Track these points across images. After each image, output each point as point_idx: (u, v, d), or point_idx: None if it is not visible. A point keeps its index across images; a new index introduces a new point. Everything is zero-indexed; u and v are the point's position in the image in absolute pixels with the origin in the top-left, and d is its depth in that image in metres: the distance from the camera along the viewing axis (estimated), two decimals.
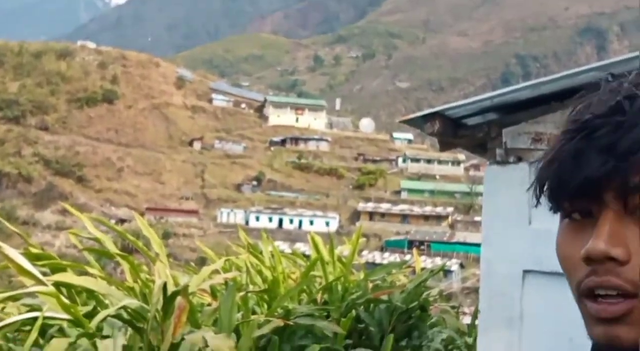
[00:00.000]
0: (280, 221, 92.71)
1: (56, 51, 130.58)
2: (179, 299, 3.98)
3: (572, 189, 1.11)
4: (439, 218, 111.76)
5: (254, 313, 5.63)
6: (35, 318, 3.66)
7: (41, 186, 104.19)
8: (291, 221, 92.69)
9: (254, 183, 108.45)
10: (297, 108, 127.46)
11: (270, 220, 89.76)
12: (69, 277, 4.15)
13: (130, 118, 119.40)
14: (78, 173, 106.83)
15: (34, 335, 3.57)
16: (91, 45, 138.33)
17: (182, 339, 3.94)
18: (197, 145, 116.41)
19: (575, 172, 1.10)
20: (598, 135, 1.07)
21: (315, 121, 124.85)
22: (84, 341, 3.67)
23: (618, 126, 1.07)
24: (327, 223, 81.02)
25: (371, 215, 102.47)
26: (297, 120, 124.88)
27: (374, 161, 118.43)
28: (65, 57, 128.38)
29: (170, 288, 3.99)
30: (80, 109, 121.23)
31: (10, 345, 3.91)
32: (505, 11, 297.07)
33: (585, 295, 1.11)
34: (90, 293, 4.21)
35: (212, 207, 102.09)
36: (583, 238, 1.10)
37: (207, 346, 3.98)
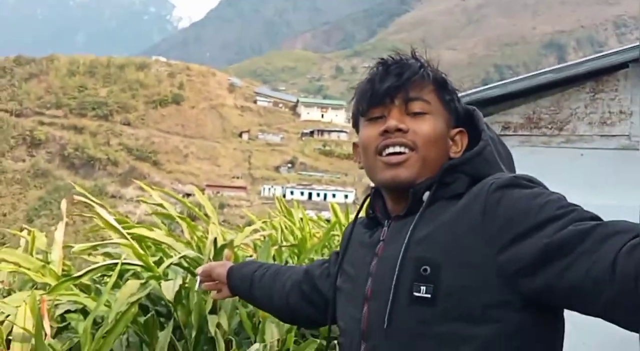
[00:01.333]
0: (310, 194, 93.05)
1: (136, 64, 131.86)
2: (226, 250, 3.99)
3: (377, 96, 1.46)
4: None
5: (287, 262, 5.64)
6: (115, 264, 3.68)
7: (125, 168, 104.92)
8: (318, 194, 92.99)
9: (289, 165, 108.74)
10: (322, 107, 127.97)
11: (302, 194, 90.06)
12: (144, 231, 4.17)
13: (193, 116, 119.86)
14: (153, 158, 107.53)
15: (114, 277, 3.59)
16: (162, 59, 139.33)
17: None
18: (245, 136, 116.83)
19: (379, 86, 1.46)
20: (393, 67, 1.48)
21: (336, 117, 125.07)
22: (152, 282, 3.69)
23: (404, 65, 1.48)
24: (346, 196, 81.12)
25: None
26: (322, 116, 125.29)
27: None
28: (142, 69, 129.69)
29: (220, 242, 4.00)
30: (155, 109, 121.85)
31: (97, 285, 3.94)
32: (486, 30, 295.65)
33: (379, 153, 1.44)
34: (158, 246, 4.22)
35: (257, 184, 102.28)
36: (377, 127, 1.46)
37: None
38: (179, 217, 4.52)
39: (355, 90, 1.58)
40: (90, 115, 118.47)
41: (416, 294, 1.28)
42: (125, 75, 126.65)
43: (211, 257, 4.07)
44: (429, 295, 1.26)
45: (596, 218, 1.18)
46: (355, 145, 1.63)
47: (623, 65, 5.63)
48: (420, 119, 1.43)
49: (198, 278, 2.21)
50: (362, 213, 1.72)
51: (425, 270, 1.29)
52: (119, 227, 3.98)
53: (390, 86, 1.44)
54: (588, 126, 5.76)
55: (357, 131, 1.60)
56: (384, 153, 1.43)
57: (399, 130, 1.41)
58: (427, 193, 1.40)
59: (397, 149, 1.42)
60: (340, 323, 1.55)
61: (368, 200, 1.64)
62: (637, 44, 5.50)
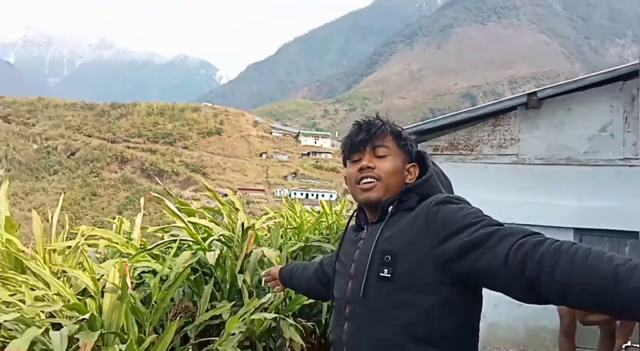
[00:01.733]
0: (307, 195, 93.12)
1: (191, 108, 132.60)
2: (249, 231, 3.96)
3: (354, 146, 1.56)
4: None
5: (290, 239, 5.61)
6: (175, 241, 3.66)
7: (184, 177, 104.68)
8: (312, 195, 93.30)
9: (293, 175, 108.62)
10: (315, 136, 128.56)
11: (302, 194, 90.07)
12: (196, 219, 4.16)
13: (229, 143, 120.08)
14: (202, 171, 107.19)
15: (174, 249, 3.57)
16: (209, 105, 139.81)
17: (251, 251, 3.92)
18: (263, 156, 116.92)
19: (355, 139, 1.56)
20: (364, 126, 1.57)
21: (324, 143, 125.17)
22: (200, 252, 3.67)
23: (371, 124, 1.57)
24: (331, 196, 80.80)
25: None
26: (315, 142, 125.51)
27: None
28: (196, 111, 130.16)
29: (245, 225, 3.97)
30: (204, 138, 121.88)
31: (163, 255, 3.91)
32: (423, 86, 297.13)
33: (357, 182, 1.53)
34: (206, 228, 4.20)
35: (272, 188, 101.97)
36: (356, 166, 1.55)
37: (264, 255, 3.96)
38: (221, 204, 4.56)
39: (342, 142, 1.67)
40: (160, 142, 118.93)
41: (381, 274, 1.36)
42: (184, 115, 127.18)
43: (240, 235, 4.09)
44: (389, 275, 1.35)
45: (499, 224, 1.26)
46: (345, 177, 1.70)
47: (513, 108, 5.66)
48: (383, 160, 1.52)
49: (263, 277, 2.42)
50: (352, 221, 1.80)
51: (387, 258, 1.38)
52: (180, 214, 3.99)
53: (362, 139, 1.54)
54: (490, 148, 5.77)
55: (345, 167, 1.68)
56: (360, 183, 1.54)
57: (369, 167, 1.52)
58: (391, 207, 1.48)
59: (368, 180, 1.52)
60: (334, 293, 1.59)
61: (355, 213, 1.73)
62: (523, 94, 5.53)
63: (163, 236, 4.37)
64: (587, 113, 5.33)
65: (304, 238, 6.07)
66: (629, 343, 4.23)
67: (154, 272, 3.64)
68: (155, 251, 3.85)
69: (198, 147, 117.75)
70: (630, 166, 5.20)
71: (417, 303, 1.32)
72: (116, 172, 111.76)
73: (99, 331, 2.63)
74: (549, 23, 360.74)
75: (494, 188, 5.34)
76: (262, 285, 4.37)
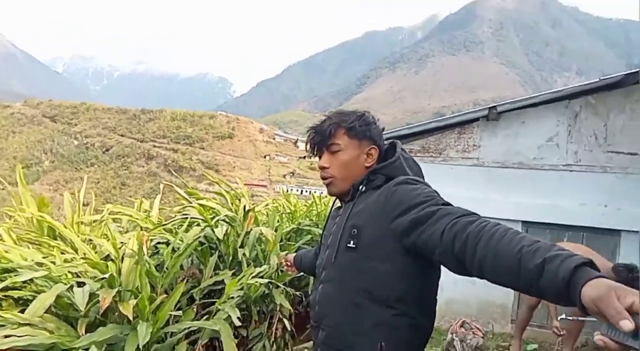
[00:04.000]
0: (302, 191, 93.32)
1: (208, 116, 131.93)
2: (250, 213, 3.90)
3: (313, 149, 1.49)
4: None
5: (285, 223, 5.54)
6: (186, 218, 3.60)
7: (199, 173, 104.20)
8: (306, 191, 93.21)
9: (291, 174, 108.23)
10: None
11: (298, 190, 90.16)
12: (204, 202, 4.08)
13: (239, 145, 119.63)
14: (215, 168, 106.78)
15: (184, 226, 3.50)
16: (224, 113, 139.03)
17: (251, 230, 3.86)
18: (267, 158, 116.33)
19: (312, 142, 1.49)
20: (317, 129, 1.47)
21: None
22: (207, 229, 3.60)
23: (320, 129, 1.47)
24: (322, 192, 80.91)
25: None
26: None
27: None
28: (212, 118, 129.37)
29: (247, 208, 3.91)
30: (218, 141, 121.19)
31: (177, 229, 3.84)
32: (403, 104, 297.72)
33: (322, 179, 1.48)
34: (212, 209, 4.13)
35: (273, 184, 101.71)
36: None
37: (262, 233, 3.90)
38: (225, 192, 4.46)
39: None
40: (181, 143, 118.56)
41: (348, 245, 1.33)
42: (202, 121, 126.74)
43: (242, 216, 4.04)
44: (354, 246, 1.32)
45: (445, 204, 1.21)
46: None
47: (476, 119, 5.63)
48: (337, 156, 1.44)
49: (282, 264, 2.36)
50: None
51: (354, 231, 1.34)
52: (189, 198, 3.93)
53: (315, 142, 1.48)
54: (456, 152, 5.74)
55: None
56: (323, 181, 1.50)
57: (324, 168, 1.46)
58: (360, 186, 1.42)
59: (326, 179, 1.48)
60: (317, 262, 1.55)
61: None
62: (485, 107, 5.50)
63: (176, 216, 4.32)
64: (538, 125, 5.31)
65: (297, 222, 6.06)
66: (563, 316, 4.18)
67: (168, 243, 3.58)
68: (169, 226, 3.79)
69: (212, 148, 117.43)
70: (570, 171, 5.19)
71: (377, 270, 1.27)
72: (143, 167, 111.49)
73: (116, 289, 2.57)
74: (508, 56, 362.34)
75: (459, 185, 5.30)
76: (260, 259, 4.33)
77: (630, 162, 5.01)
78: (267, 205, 5.82)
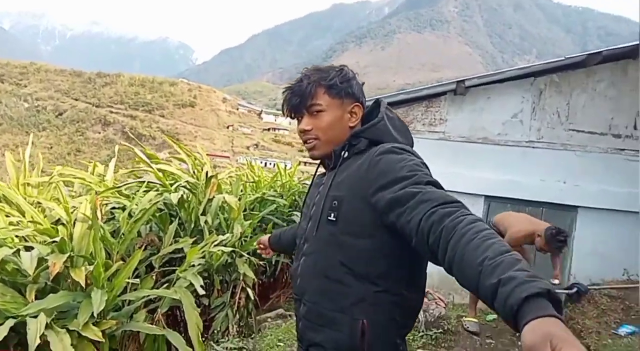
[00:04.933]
0: (266, 163, 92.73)
1: (169, 82, 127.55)
2: (212, 179, 3.75)
3: (292, 111, 1.35)
4: None
5: (249, 192, 5.40)
6: (143, 182, 3.42)
7: (159, 141, 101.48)
8: (270, 164, 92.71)
9: (255, 146, 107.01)
10: (275, 115, 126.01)
11: (262, 162, 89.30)
12: (163, 166, 3.88)
13: (201, 114, 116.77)
14: (176, 137, 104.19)
15: (141, 190, 3.32)
16: (185, 80, 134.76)
17: (213, 197, 3.73)
18: (230, 128, 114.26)
19: (290, 105, 1.34)
20: (296, 90, 1.32)
21: (283, 121, 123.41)
22: (165, 194, 3.43)
23: (298, 89, 1.32)
24: (286, 165, 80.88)
25: (305, 163, 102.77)
26: (275, 120, 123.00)
27: None
28: (173, 85, 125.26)
29: (210, 174, 3.75)
30: (179, 109, 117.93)
31: (133, 194, 3.65)
32: (368, 80, 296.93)
33: (304, 143, 1.35)
34: (173, 175, 3.95)
35: (236, 156, 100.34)
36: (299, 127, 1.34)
37: (225, 201, 3.77)
38: (187, 155, 4.26)
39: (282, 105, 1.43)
40: (140, 110, 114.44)
41: (329, 218, 1.24)
42: (162, 88, 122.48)
43: (204, 183, 3.88)
44: (334, 219, 1.23)
45: (430, 183, 1.10)
46: None
47: (444, 93, 5.61)
48: (319, 117, 1.30)
49: (257, 247, 2.10)
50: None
51: (334, 203, 1.24)
52: (147, 160, 3.72)
53: (294, 105, 1.32)
54: (422, 125, 5.72)
55: None
56: (305, 144, 1.36)
57: (306, 130, 1.31)
58: (343, 152, 1.31)
59: (309, 141, 1.34)
60: (299, 232, 1.45)
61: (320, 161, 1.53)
62: (453, 81, 5.48)
63: (133, 180, 4.10)
64: (503, 102, 5.34)
65: (261, 192, 5.95)
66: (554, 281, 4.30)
67: (124, 209, 3.40)
68: (126, 192, 3.59)
69: (173, 117, 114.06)
70: (533, 148, 5.29)
71: (356, 244, 1.19)
72: (99, 133, 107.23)
73: (67, 254, 2.39)
74: (472, 37, 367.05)
75: (425, 159, 5.31)
76: (223, 227, 4.21)
77: (590, 140, 5.15)
78: (230, 173, 5.65)
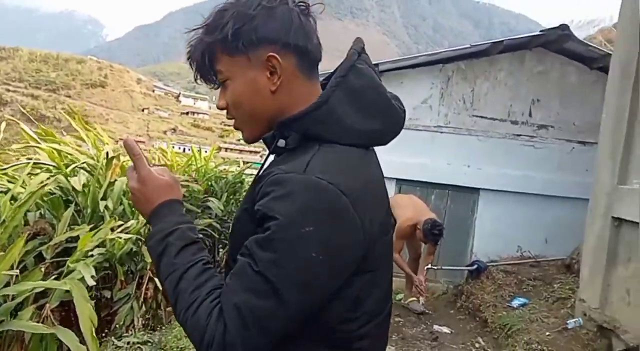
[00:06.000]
0: (184, 149, 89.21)
1: (76, 59, 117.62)
2: (114, 161, 3.46)
3: (205, 82, 0.89)
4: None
5: None
6: (29, 163, 3.06)
7: (65, 124, 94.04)
8: (189, 149, 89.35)
9: (172, 131, 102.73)
10: (194, 98, 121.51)
11: (180, 148, 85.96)
12: (58, 146, 3.52)
13: (113, 96, 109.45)
14: (85, 120, 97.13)
15: (27, 169, 2.98)
16: (94, 58, 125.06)
17: (115, 180, 3.45)
18: (145, 112, 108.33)
19: (198, 72, 0.89)
20: (191, 53, 0.88)
21: (203, 105, 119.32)
22: (59, 177, 3.11)
23: (193, 58, 0.88)
24: (206, 151, 78.63)
25: (226, 149, 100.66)
26: (194, 104, 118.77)
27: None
28: (81, 63, 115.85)
29: (111, 155, 3.46)
30: (88, 89, 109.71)
31: (19, 176, 3.25)
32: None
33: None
34: (68, 155, 3.60)
35: (152, 141, 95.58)
36: None
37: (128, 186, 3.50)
38: (85, 131, 3.91)
39: None
40: (43, 89, 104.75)
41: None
42: (69, 65, 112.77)
43: (103, 163, 3.57)
44: (231, 231, 0.89)
45: (272, 260, 0.69)
46: None
47: None
48: (226, 89, 0.86)
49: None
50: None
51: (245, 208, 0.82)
52: (36, 137, 3.34)
53: (201, 76, 0.88)
54: None
55: None
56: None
57: (223, 109, 0.88)
58: (281, 144, 0.83)
59: (232, 122, 0.88)
60: None
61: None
62: None
63: (20, 160, 3.67)
64: (414, 87, 5.49)
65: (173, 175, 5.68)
66: (429, 265, 4.54)
67: (7, 193, 3.02)
68: (10, 173, 3.19)
69: (81, 97, 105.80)
70: (441, 133, 5.51)
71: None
72: None
73: None
74: (389, 27, 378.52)
75: None
76: (128, 214, 3.92)
77: (491, 126, 5.47)
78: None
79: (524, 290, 4.38)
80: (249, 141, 0.89)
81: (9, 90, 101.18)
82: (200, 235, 0.87)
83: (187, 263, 0.78)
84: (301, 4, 0.82)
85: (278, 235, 0.69)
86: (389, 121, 0.85)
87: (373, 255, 0.77)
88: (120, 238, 3.04)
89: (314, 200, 0.69)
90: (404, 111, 0.89)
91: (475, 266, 4.75)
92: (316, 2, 0.86)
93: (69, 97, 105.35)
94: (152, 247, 0.84)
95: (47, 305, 2.57)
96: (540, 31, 5.06)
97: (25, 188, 2.85)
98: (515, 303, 4.12)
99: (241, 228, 0.80)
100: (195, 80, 0.91)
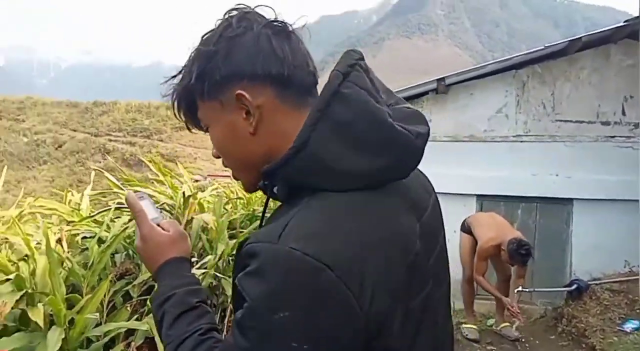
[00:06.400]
0: None
1: (165, 105, 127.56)
2: (191, 200, 3.64)
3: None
4: None
5: (237, 209, 5.26)
6: (116, 209, 3.29)
7: (160, 166, 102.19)
8: None
9: None
10: None
11: None
12: (138, 188, 3.77)
13: (200, 136, 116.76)
14: (176, 160, 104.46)
15: (110, 213, 3.19)
16: None
17: (193, 218, 3.62)
18: None
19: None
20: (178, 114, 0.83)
21: None
22: None
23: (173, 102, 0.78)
24: None
25: None
26: None
27: None
28: (169, 109, 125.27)
29: (187, 194, 3.65)
30: (177, 132, 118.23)
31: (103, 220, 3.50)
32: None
33: None
34: (152, 197, 3.85)
35: None
36: None
37: (205, 222, 3.67)
38: (162, 174, 4.17)
39: None
40: (139, 136, 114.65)
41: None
42: (159, 112, 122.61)
43: (181, 203, 3.75)
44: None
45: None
46: None
47: (425, 92, 5.49)
48: (211, 136, 0.77)
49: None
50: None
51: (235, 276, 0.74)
52: (118, 183, 3.60)
53: (187, 126, 0.80)
54: None
55: None
56: None
57: (217, 157, 0.78)
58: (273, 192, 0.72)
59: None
60: None
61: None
62: (433, 80, 5.36)
63: (109, 206, 3.97)
64: (486, 97, 5.22)
65: (251, 209, 5.78)
66: (520, 288, 4.15)
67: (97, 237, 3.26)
68: (99, 218, 3.45)
69: (172, 140, 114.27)
70: (521, 142, 5.16)
71: None
72: (100, 162, 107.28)
73: (24, 291, 2.25)
74: (461, 39, 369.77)
75: None
76: (207, 249, 4.06)
77: (578, 129, 5.01)
78: (214, 189, 5.51)
79: (638, 311, 3.85)
80: (249, 191, 0.77)
81: (110, 140, 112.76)
82: (204, 297, 0.80)
83: (182, 335, 0.73)
84: (276, 23, 0.70)
85: (248, 322, 0.57)
86: (398, 152, 0.63)
87: (392, 329, 0.59)
88: (195, 274, 3.14)
89: (285, 279, 0.55)
90: (426, 129, 0.68)
91: (574, 286, 4.25)
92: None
93: (161, 141, 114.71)
94: (153, 312, 0.81)
95: (132, 343, 2.69)
96: (625, 22, 4.60)
97: (109, 232, 3.06)
98: (628, 326, 3.63)
99: (234, 295, 0.68)
100: (188, 129, 0.83)
